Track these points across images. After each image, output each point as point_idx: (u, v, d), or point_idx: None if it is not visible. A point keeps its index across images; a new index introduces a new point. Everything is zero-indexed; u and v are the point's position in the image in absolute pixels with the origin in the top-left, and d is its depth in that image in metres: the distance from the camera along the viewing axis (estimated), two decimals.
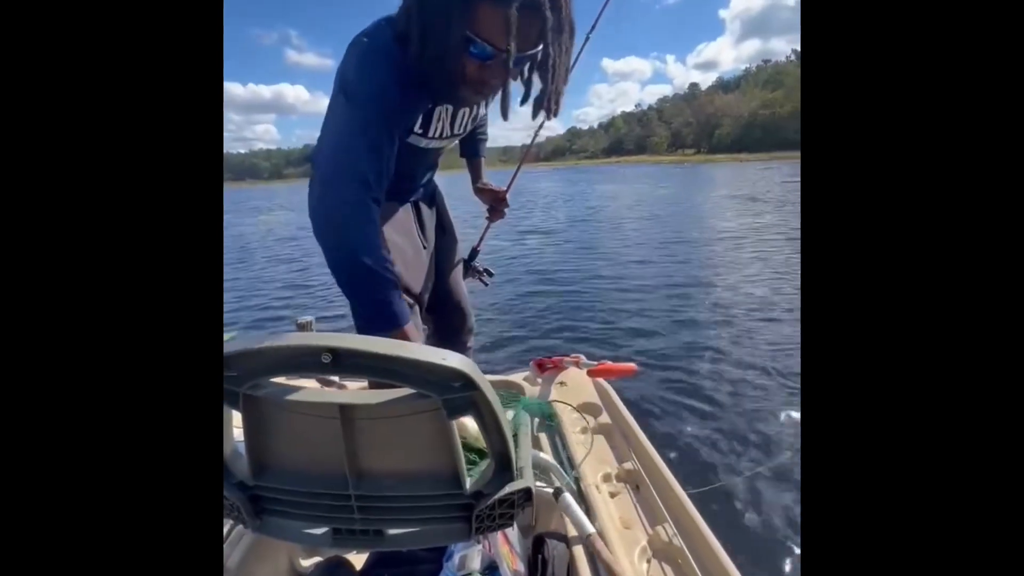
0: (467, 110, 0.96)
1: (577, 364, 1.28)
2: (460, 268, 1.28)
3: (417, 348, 0.51)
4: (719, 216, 9.30)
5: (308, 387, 0.58)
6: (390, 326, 0.77)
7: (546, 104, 0.80)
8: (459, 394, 0.53)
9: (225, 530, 0.77)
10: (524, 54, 0.74)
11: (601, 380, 1.21)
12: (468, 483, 0.59)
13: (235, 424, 0.59)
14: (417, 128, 0.91)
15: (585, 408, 1.12)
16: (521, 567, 0.81)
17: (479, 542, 0.82)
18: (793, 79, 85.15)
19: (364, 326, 0.79)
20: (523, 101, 0.83)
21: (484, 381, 0.53)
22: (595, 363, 1.28)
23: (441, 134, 0.95)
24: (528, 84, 0.81)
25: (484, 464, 0.60)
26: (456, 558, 0.78)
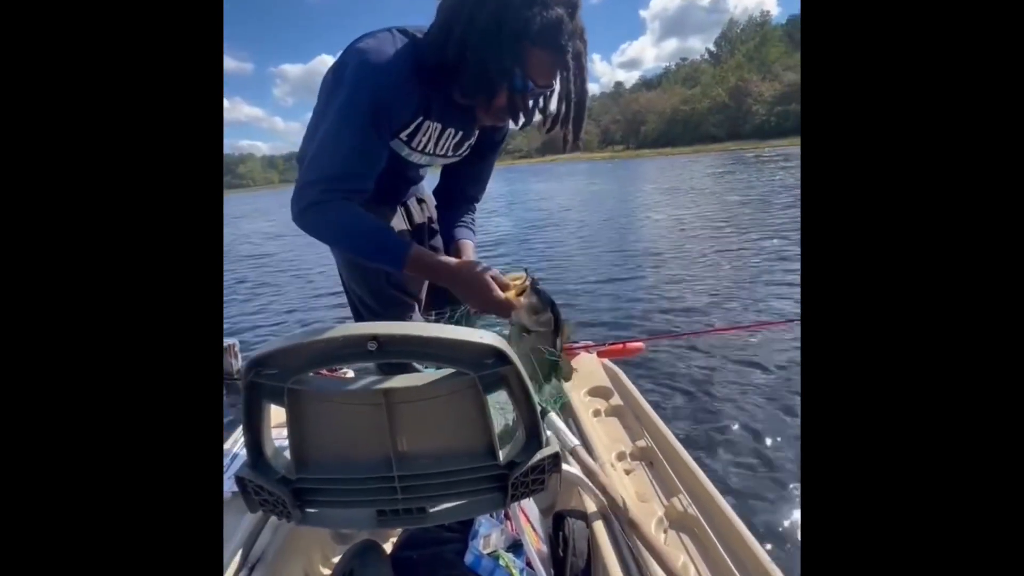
0: (452, 131, 0.99)
1: (587, 349, 1.33)
2: None
3: (454, 329, 0.55)
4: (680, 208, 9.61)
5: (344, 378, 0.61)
6: (403, 250, 0.85)
7: (576, 135, 0.90)
8: (493, 369, 0.57)
9: (254, 523, 0.78)
10: (550, 87, 0.85)
11: (611, 364, 1.26)
12: (502, 454, 0.63)
13: (272, 423, 0.60)
14: (403, 135, 0.94)
15: (596, 392, 1.17)
16: (543, 546, 0.86)
17: (502, 522, 0.86)
18: (708, 76, 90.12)
19: (389, 263, 0.88)
20: (523, 126, 0.94)
21: (515, 356, 0.58)
22: (603, 344, 1.34)
23: (423, 148, 0.99)
24: (533, 112, 0.90)
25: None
26: (481, 537, 0.82)
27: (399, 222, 1.06)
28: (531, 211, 11.69)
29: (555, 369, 0.75)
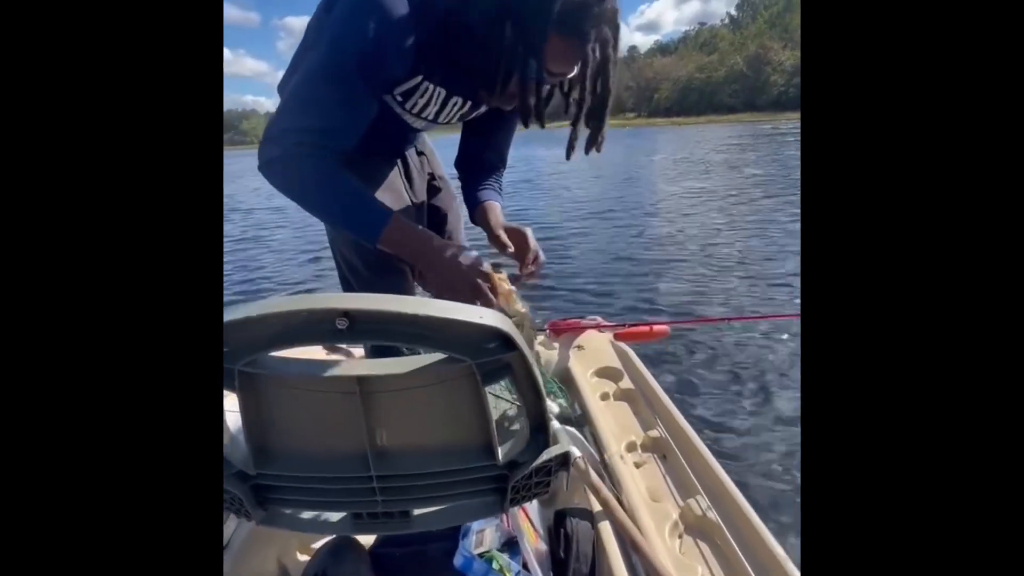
0: (459, 99, 0.85)
1: (598, 328, 1.22)
2: (462, 226, 1.17)
3: (448, 306, 0.44)
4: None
5: (314, 358, 0.51)
6: (379, 222, 0.74)
7: (598, 142, 0.79)
8: (495, 356, 0.47)
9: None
10: (564, 76, 0.73)
11: (621, 343, 1.15)
12: (501, 453, 0.54)
13: (228, 408, 0.50)
14: (397, 93, 0.81)
15: (605, 373, 1.07)
16: (543, 545, 0.78)
17: (498, 517, 0.77)
18: (727, 43, 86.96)
19: (361, 234, 0.76)
20: (528, 122, 0.78)
21: (522, 340, 0.47)
22: (621, 326, 1.23)
23: (421, 113, 0.85)
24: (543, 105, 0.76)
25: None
26: (472, 536, 0.74)
27: (395, 177, 0.93)
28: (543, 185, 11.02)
29: None
